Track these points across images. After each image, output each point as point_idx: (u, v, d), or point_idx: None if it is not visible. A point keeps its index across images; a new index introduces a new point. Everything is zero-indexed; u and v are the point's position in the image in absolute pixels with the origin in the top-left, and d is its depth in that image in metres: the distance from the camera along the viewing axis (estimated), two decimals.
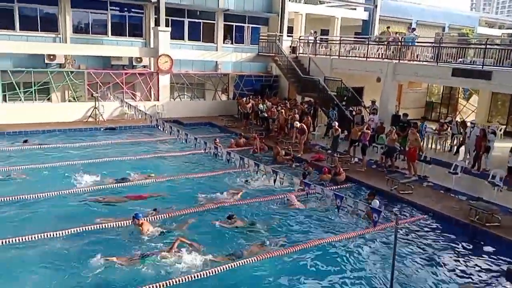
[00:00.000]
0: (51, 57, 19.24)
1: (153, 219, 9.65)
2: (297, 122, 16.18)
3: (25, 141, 15.30)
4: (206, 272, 7.61)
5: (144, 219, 9.18)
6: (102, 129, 18.50)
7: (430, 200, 11.67)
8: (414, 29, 19.80)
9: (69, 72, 19.54)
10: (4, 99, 18.33)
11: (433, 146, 16.82)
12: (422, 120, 16.93)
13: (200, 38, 23.69)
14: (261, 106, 19.68)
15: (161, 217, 9.85)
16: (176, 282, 7.27)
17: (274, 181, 9.57)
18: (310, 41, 22.94)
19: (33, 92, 19.04)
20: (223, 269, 7.75)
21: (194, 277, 7.47)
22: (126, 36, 21.63)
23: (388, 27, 23.71)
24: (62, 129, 17.86)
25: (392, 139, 13.98)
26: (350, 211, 8.18)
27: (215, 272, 7.65)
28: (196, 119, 21.32)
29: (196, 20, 23.42)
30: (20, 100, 18.84)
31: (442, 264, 8.72)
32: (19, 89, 18.66)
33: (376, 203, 10.66)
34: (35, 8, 19.59)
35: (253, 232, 9.46)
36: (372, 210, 7.58)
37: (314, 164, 14.34)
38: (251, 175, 12.28)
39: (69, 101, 20.09)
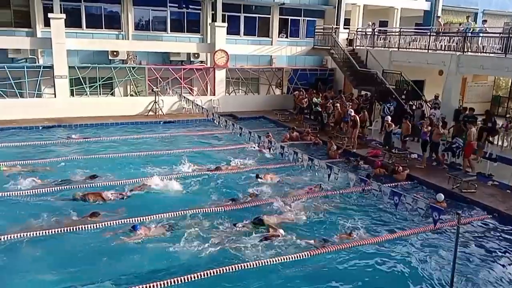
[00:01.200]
0: (115, 53, 20.22)
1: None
2: (351, 110, 15.87)
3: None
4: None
5: (144, 229, 8.91)
6: (161, 122, 19.17)
7: (495, 199, 11.02)
8: (485, 21, 18.63)
9: (131, 68, 20.43)
10: (72, 94, 19.47)
11: (499, 143, 15.82)
12: (487, 115, 15.93)
13: (256, 33, 23.82)
14: (315, 99, 19.47)
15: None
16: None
17: (329, 176, 9.47)
18: (367, 33, 22.33)
19: (98, 87, 20.11)
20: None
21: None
22: (184, 32, 22.21)
23: (438, 17, 22.54)
24: (124, 122, 18.71)
25: (439, 133, 13.40)
26: (409, 209, 7.90)
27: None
28: (250, 113, 21.52)
29: (252, 15, 23.56)
30: (86, 94, 19.96)
31: (506, 268, 8.22)
32: (85, 84, 19.76)
33: (441, 197, 10.28)
34: (100, 7, 20.62)
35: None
36: (432, 208, 7.28)
37: (371, 160, 14.01)
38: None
39: (131, 95, 21.00)
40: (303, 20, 24.83)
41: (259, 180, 11.93)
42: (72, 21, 19.34)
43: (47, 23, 18.67)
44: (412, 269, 7.99)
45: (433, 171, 13.29)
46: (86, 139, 15.86)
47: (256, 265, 7.72)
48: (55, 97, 18.83)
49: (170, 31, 21.88)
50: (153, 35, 21.47)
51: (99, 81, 19.96)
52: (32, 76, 18.80)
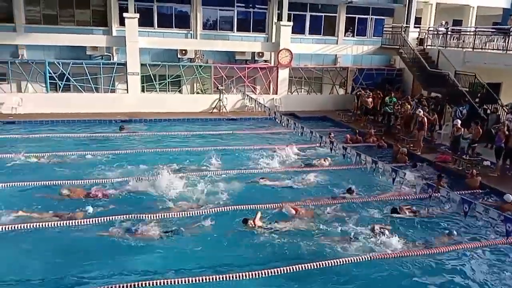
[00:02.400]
0: (183, 52, 20.96)
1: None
2: (420, 110, 15.21)
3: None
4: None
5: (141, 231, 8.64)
6: (224, 119, 19.60)
7: None
8: None
9: (198, 66, 21.07)
10: (143, 90, 20.46)
11: None
12: None
13: (321, 32, 23.58)
14: (387, 99, 18.79)
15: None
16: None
17: (393, 180, 9.18)
18: (440, 32, 21.26)
19: (167, 84, 20.97)
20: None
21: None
22: (250, 31, 22.50)
23: (511, 15, 20.84)
24: (190, 118, 19.34)
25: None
26: (480, 218, 7.46)
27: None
28: (312, 113, 21.33)
29: (318, 14, 23.35)
30: (156, 91, 20.89)
31: None
32: (155, 81, 20.68)
33: (509, 197, 9.60)
34: (171, 7, 21.47)
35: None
36: (506, 218, 6.81)
37: (439, 166, 13.35)
38: None
39: (197, 93, 21.67)
40: (371, 18, 24.18)
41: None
42: (145, 20, 20.26)
43: (122, 22, 19.77)
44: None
45: (508, 180, 12.38)
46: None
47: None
48: (127, 92, 19.91)
49: (237, 30, 22.27)
50: (220, 35, 21.97)
51: (168, 78, 20.80)
52: (107, 72, 20.01)
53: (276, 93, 21.81)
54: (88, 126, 17.46)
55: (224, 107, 20.61)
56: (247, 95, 18.57)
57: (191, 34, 21.65)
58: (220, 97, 20.49)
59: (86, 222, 8.98)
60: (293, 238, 8.65)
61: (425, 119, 14.93)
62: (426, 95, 19.75)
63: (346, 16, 23.54)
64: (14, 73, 18.98)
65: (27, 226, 8.62)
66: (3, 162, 12.37)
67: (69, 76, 19.25)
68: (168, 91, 21.21)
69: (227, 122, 19.40)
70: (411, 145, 15.30)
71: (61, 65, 19.03)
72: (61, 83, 19.21)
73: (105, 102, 19.35)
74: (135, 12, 19.39)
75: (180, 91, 21.53)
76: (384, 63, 24.65)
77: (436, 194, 8.25)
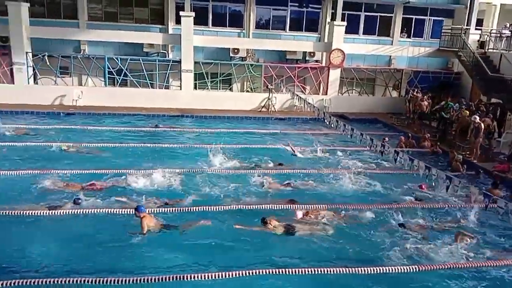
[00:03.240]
0: (235, 50, 21.25)
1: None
2: (476, 117, 14.49)
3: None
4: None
5: (147, 213, 8.54)
6: (273, 118, 19.66)
7: None
8: None
9: (249, 65, 21.28)
10: (195, 87, 20.95)
11: None
12: None
13: (375, 32, 23.06)
14: (443, 104, 18.06)
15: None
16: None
17: (447, 188, 8.82)
18: (503, 35, 20.13)
19: (218, 81, 21.35)
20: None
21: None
22: (302, 31, 22.42)
23: None
24: (239, 116, 19.56)
25: None
26: None
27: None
28: (363, 114, 20.91)
29: (373, 14, 22.85)
30: (207, 88, 21.32)
31: None
32: (207, 79, 21.12)
33: None
34: (225, 6, 21.83)
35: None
36: None
37: (498, 176, 12.66)
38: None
39: (247, 91, 21.89)
40: (429, 19, 23.33)
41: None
42: (200, 19, 20.71)
43: (178, 20, 20.34)
44: None
45: None
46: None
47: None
48: (180, 89, 20.47)
49: (289, 29, 22.26)
50: (272, 34, 22.06)
51: (220, 76, 21.16)
52: (162, 69, 20.68)
53: (326, 94, 21.59)
54: (142, 119, 18.07)
55: (273, 106, 20.67)
56: (297, 95, 18.48)
57: (244, 33, 21.89)
58: (269, 96, 20.57)
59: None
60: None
61: (482, 125, 14.20)
62: (486, 101, 18.80)
63: (402, 17, 22.87)
64: (76, 67, 20.07)
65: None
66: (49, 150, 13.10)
67: (126, 71, 20.09)
68: (219, 89, 21.58)
69: (275, 121, 19.44)
70: (467, 152, 14.62)
71: (119, 61, 19.89)
72: (119, 78, 20.09)
73: (159, 98, 20.00)
74: (191, 11, 19.89)
75: (230, 89, 21.84)
76: (441, 66, 23.71)
77: (493, 205, 7.83)
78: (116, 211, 9.19)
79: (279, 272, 7.24)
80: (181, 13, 19.70)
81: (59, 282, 6.60)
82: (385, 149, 11.40)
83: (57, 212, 9.04)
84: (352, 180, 11.82)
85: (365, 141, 11.89)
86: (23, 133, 14.73)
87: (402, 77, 22.75)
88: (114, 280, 6.72)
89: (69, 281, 6.66)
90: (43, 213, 8.94)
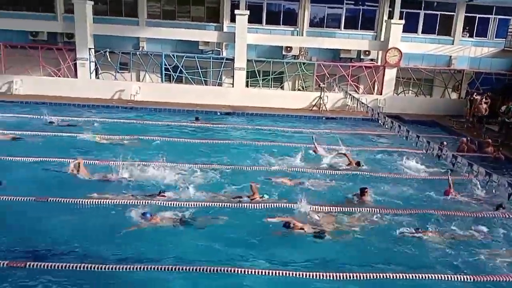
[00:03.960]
0: (288, 48, 21.20)
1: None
2: None
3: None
4: None
5: (155, 217, 8.64)
6: (324, 118, 19.42)
7: None
8: None
9: (302, 63, 21.15)
10: (247, 85, 21.12)
11: None
12: None
13: (435, 31, 22.13)
14: (503, 108, 17.08)
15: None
16: None
17: (509, 196, 8.29)
18: None
19: (270, 79, 21.40)
20: None
21: None
22: (357, 29, 21.97)
23: None
24: (289, 114, 19.48)
25: None
26: None
27: None
28: (419, 116, 20.14)
29: (433, 12, 21.94)
30: (259, 86, 21.44)
31: None
32: (259, 77, 21.23)
33: None
34: (279, 4, 21.83)
35: None
36: None
37: None
38: None
39: (298, 90, 21.78)
40: (494, 18, 22.05)
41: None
42: (254, 17, 20.80)
43: (233, 19, 20.60)
44: None
45: None
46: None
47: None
48: (232, 86, 20.72)
49: (344, 28, 21.89)
50: (326, 32, 21.78)
51: (271, 74, 21.20)
52: (216, 67, 21.04)
53: (381, 94, 21.02)
54: (193, 115, 18.45)
55: (324, 105, 20.41)
56: (350, 94, 18.12)
57: (297, 31, 21.78)
58: (321, 95, 20.34)
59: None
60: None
61: None
62: None
63: (464, 15, 21.77)
64: (135, 63, 20.89)
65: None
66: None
67: (182, 68, 20.63)
68: (271, 86, 21.63)
69: (326, 121, 19.19)
70: None
71: (175, 58, 20.46)
72: (175, 75, 20.68)
73: (212, 95, 20.37)
74: (245, 9, 20.06)
75: (282, 87, 21.82)
76: (506, 68, 22.30)
77: None
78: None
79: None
80: (236, 11, 19.93)
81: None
82: (443, 152, 10.92)
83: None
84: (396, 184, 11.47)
85: (421, 143, 11.45)
86: (66, 125, 15.48)
87: (462, 78, 21.68)
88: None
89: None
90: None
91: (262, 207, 9.63)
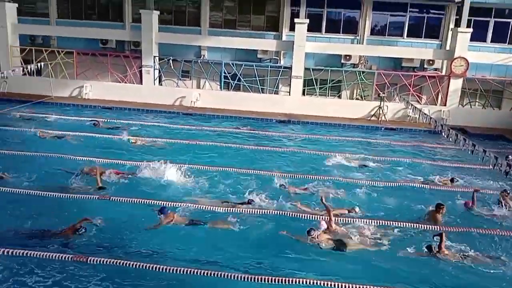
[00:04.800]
0: (347, 57, 20.92)
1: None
2: None
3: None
4: None
5: (172, 214, 8.85)
6: (382, 128, 18.90)
7: None
8: None
9: (361, 72, 20.78)
10: (303, 93, 21.07)
11: None
12: None
13: (506, 40, 20.89)
14: None
15: None
16: None
17: None
18: None
19: (327, 88, 21.21)
20: None
21: None
22: (421, 37, 21.27)
23: None
24: (347, 124, 19.14)
25: None
26: None
27: None
28: (486, 130, 18.98)
29: (504, 20, 20.73)
30: (316, 94, 21.31)
31: None
32: (316, 85, 21.11)
33: None
34: (339, 12, 21.65)
35: None
36: None
37: None
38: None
39: (356, 99, 21.39)
40: None
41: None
42: (313, 25, 20.74)
43: (292, 27, 20.70)
44: None
45: None
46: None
47: None
48: (289, 95, 20.76)
49: (407, 36, 21.28)
50: (387, 40, 21.28)
51: (329, 83, 21.01)
52: (273, 75, 21.21)
53: (445, 105, 20.11)
54: (250, 122, 18.62)
55: (384, 115, 19.87)
56: (411, 104, 17.51)
57: (358, 39, 21.46)
58: (380, 104, 19.82)
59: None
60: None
61: None
62: None
63: None
64: (196, 71, 21.57)
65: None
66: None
67: (240, 76, 21.01)
68: (328, 95, 21.42)
69: (385, 132, 18.65)
70: None
71: (234, 66, 20.89)
72: (233, 83, 21.10)
73: (269, 102, 20.51)
74: (305, 18, 20.08)
75: (339, 96, 21.55)
76: None
77: None
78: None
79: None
80: (295, 20, 20.01)
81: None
82: (511, 169, 10.23)
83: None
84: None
85: (488, 158, 10.81)
86: (111, 127, 16.25)
87: None
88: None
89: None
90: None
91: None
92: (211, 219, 9.06)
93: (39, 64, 18.62)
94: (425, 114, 15.72)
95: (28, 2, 22.96)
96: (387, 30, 21.59)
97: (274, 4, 21.95)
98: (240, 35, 21.30)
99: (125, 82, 21.44)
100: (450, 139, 12.79)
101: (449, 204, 10.30)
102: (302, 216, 9.55)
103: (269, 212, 9.58)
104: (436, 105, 20.42)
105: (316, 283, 7.07)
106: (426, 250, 8.15)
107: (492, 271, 7.79)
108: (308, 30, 19.94)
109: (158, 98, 20.50)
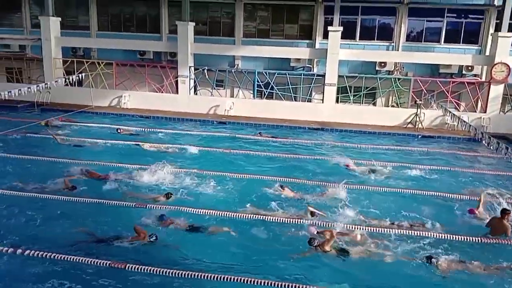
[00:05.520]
0: (382, 64, 20.65)
1: None
2: None
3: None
4: None
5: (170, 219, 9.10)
6: (419, 136, 18.46)
7: None
8: None
9: (396, 79, 20.44)
10: (337, 100, 20.93)
11: None
12: None
13: None
14: None
15: None
16: None
17: None
18: None
19: (362, 95, 20.98)
20: None
21: None
22: (459, 43, 20.73)
23: None
24: (381, 131, 18.83)
25: None
26: None
27: None
28: None
29: None
30: (349, 102, 21.11)
31: None
32: (350, 92, 20.92)
33: None
34: (374, 19, 21.43)
35: None
36: None
37: None
38: None
39: (392, 106, 21.03)
40: None
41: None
42: (347, 33, 20.65)
43: (325, 35, 20.66)
44: None
45: None
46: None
47: None
48: (322, 102, 20.67)
49: (444, 42, 20.79)
50: (424, 46, 20.89)
51: (363, 90, 20.77)
52: (306, 83, 21.21)
53: (485, 112, 19.45)
54: (281, 130, 18.67)
55: (421, 122, 19.42)
56: (449, 112, 17.02)
57: (393, 46, 21.16)
58: (417, 111, 19.40)
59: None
60: None
61: None
62: None
63: None
64: (230, 80, 21.87)
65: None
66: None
67: (273, 85, 21.13)
68: (362, 102, 21.18)
69: (422, 140, 18.20)
70: None
71: (267, 75, 21.04)
72: (266, 91, 21.24)
73: (302, 110, 20.51)
74: (339, 25, 20.00)
75: (374, 104, 21.25)
76: None
77: None
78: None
79: None
80: (329, 28, 19.95)
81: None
82: None
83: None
84: None
85: None
86: (128, 133, 16.83)
87: None
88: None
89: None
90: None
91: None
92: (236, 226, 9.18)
93: (80, 75, 19.41)
94: (464, 121, 15.27)
95: (70, 16, 24.07)
96: (423, 36, 21.19)
97: (308, 13, 22.01)
98: (274, 44, 21.47)
99: (162, 92, 21.99)
100: (491, 147, 12.36)
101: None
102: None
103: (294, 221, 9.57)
104: (475, 112, 19.78)
105: None
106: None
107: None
108: (342, 38, 19.84)
109: (193, 107, 20.91)
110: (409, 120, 19.74)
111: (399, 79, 20.45)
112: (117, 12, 23.82)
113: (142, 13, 23.74)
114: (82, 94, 21.26)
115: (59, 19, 21.99)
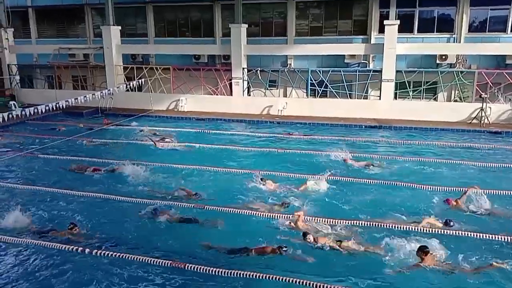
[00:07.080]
0: (443, 57, 19.67)
1: None
2: None
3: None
4: None
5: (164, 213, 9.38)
6: (485, 132, 17.39)
7: None
8: None
9: (459, 72, 19.39)
10: (395, 97, 20.20)
11: None
12: None
13: None
14: None
15: None
16: None
17: None
18: None
19: (422, 91, 20.11)
20: None
21: None
22: None
23: None
24: (443, 128, 17.96)
25: None
26: None
27: None
28: None
29: None
30: (409, 98, 20.31)
31: None
32: (409, 88, 20.12)
33: None
34: (432, 11, 20.50)
35: None
36: None
37: None
38: None
39: (455, 101, 19.97)
40: None
41: None
42: (404, 26, 19.88)
43: (381, 29, 20.05)
44: None
45: None
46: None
47: None
48: (379, 99, 20.04)
49: (511, 31, 19.44)
50: (488, 37, 19.64)
51: (424, 85, 19.91)
52: (362, 79, 20.67)
53: None
54: (337, 129, 18.29)
55: (487, 117, 18.25)
56: None
57: (454, 37, 20.12)
58: (482, 106, 18.27)
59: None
60: None
61: None
62: None
63: None
64: (282, 80, 21.82)
65: None
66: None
67: (327, 83, 20.81)
68: (422, 98, 20.30)
69: (489, 136, 17.12)
70: None
71: (321, 73, 20.76)
72: (320, 89, 20.95)
73: (358, 108, 20.00)
74: (395, 19, 19.33)
75: (435, 99, 20.29)
76: None
77: None
78: None
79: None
80: (385, 22, 19.31)
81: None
82: None
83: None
84: None
85: None
86: (152, 133, 17.39)
87: None
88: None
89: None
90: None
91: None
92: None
93: (140, 81, 20.22)
94: None
95: (129, 24, 25.16)
96: (487, 25, 19.92)
97: (362, 8, 21.47)
98: (327, 41, 21.13)
99: (217, 94, 22.39)
100: None
101: None
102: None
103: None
104: None
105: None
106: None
107: None
108: (398, 31, 19.08)
109: (247, 108, 21.10)
110: (474, 115, 18.63)
111: (462, 72, 19.38)
112: (172, 18, 24.57)
113: (196, 18, 24.32)
114: (142, 99, 22.14)
115: (119, 27, 23.02)
